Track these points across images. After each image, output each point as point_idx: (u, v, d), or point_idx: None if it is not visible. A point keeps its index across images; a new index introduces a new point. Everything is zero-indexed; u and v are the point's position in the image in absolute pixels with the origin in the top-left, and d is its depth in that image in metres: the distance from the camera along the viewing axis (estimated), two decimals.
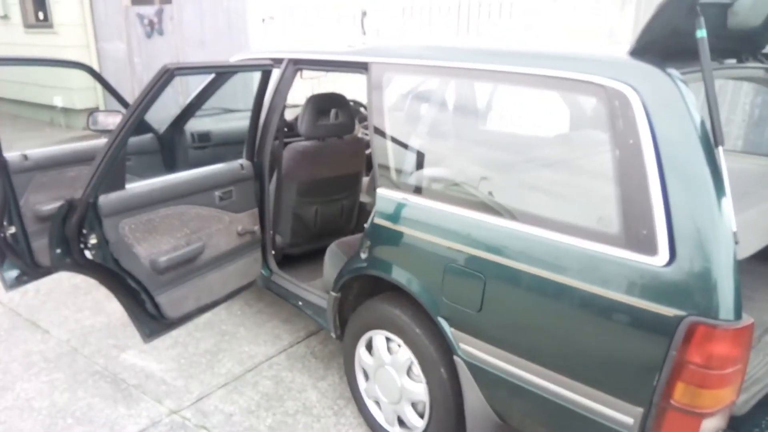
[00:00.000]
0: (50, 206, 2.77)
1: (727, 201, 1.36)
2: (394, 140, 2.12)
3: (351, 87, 3.66)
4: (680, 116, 1.42)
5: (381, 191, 2.11)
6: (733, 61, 2.01)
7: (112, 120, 3.28)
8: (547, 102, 1.77)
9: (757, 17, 1.68)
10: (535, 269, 1.61)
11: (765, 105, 3.90)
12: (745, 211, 1.83)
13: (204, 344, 3.03)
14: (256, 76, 2.47)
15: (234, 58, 3.05)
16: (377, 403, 2.32)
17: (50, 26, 8.37)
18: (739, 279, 1.33)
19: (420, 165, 2.06)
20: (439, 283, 1.87)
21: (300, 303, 2.70)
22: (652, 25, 1.49)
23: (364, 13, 5.56)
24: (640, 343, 1.43)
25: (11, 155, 2.71)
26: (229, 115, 4.10)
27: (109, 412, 2.50)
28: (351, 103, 3.28)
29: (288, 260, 3.09)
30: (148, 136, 3.37)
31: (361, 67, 2.24)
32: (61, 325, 3.19)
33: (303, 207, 3.03)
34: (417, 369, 2.07)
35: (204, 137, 3.55)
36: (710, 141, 1.40)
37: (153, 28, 7.59)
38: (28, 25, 8.70)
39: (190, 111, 3.37)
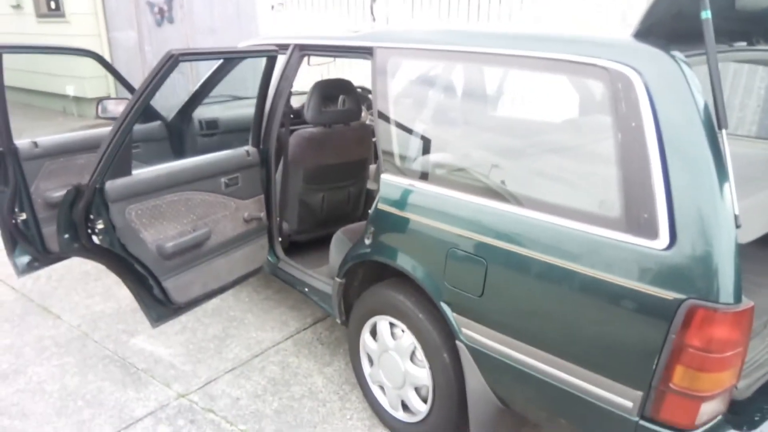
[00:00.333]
0: (60, 193, 2.81)
1: (729, 184, 1.34)
2: (399, 126, 2.12)
3: (360, 74, 3.65)
4: (683, 99, 1.40)
5: (385, 177, 2.11)
6: (743, 43, 1.98)
7: (121, 108, 3.30)
8: (550, 85, 1.75)
9: None
10: (536, 254, 1.61)
11: None
12: (753, 196, 1.81)
13: (212, 330, 3.06)
14: (264, 62, 2.47)
15: (242, 45, 3.05)
16: (381, 388, 2.33)
17: (62, 15, 8.42)
18: (740, 262, 1.32)
19: (423, 151, 2.06)
20: (441, 269, 1.88)
21: (306, 289, 2.71)
22: (656, 7, 1.47)
23: (373, 0, 5.54)
24: (640, 326, 1.42)
25: (21, 142, 2.75)
26: (237, 102, 4.11)
27: (118, 395, 2.54)
28: (359, 90, 3.27)
29: (295, 247, 3.10)
30: (157, 123, 3.39)
31: (366, 52, 2.24)
32: (72, 311, 3.24)
33: (309, 194, 3.04)
34: (420, 354, 2.08)
35: (212, 124, 3.57)
36: (713, 124, 1.38)
37: (163, 16, 7.61)
38: (40, 15, 8.76)
39: (197, 98, 3.38)
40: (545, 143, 1.81)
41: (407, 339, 2.12)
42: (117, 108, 3.35)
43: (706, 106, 1.40)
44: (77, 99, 8.64)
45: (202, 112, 3.58)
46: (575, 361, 1.57)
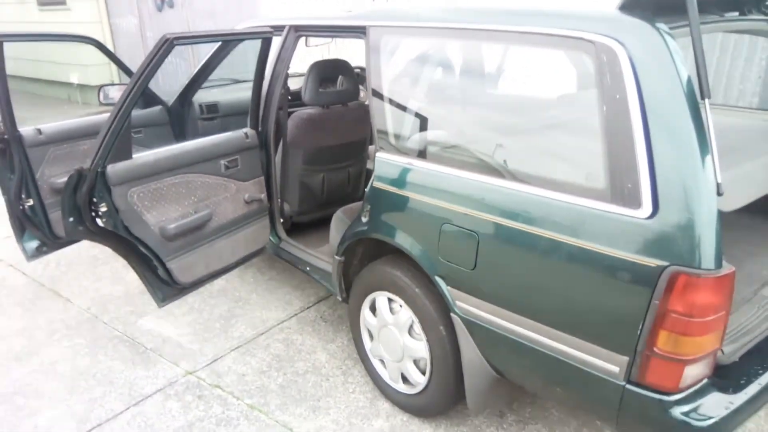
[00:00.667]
0: (65, 179, 2.86)
1: (712, 153, 1.36)
2: (392, 104, 2.15)
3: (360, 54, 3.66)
4: (666, 71, 1.42)
5: (380, 155, 2.15)
6: (735, 13, 1.98)
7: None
8: (539, 60, 1.77)
9: None
10: (525, 226, 1.65)
11: None
12: (741, 165, 1.83)
13: (218, 310, 3.13)
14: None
15: (239, 27, 3.07)
16: (382, 361, 2.39)
17: (63, 3, 8.44)
18: (721, 229, 1.35)
19: (415, 128, 2.09)
20: (435, 244, 1.92)
21: (308, 268, 2.77)
22: None
23: None
24: (625, 293, 1.46)
25: (26, 130, 2.80)
26: (237, 85, 4.14)
27: (128, 373, 2.62)
28: (357, 70, 3.29)
29: (297, 228, 3.15)
30: (157, 108, 3.43)
31: (360, 32, 2.26)
32: (82, 294, 3.32)
33: (310, 175, 3.07)
34: (418, 327, 2.13)
35: (212, 108, 3.60)
36: (695, 95, 1.40)
37: (163, 1, 7.61)
38: (42, 3, 8.79)
39: (197, 82, 3.41)
40: (533, 117, 1.83)
41: (405, 313, 2.17)
42: (118, 94, 3.39)
43: (689, 78, 1.42)
44: (81, 87, 8.69)
45: (203, 96, 3.61)
46: (564, 329, 1.61)
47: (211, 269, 2.59)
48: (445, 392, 2.12)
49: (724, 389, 1.52)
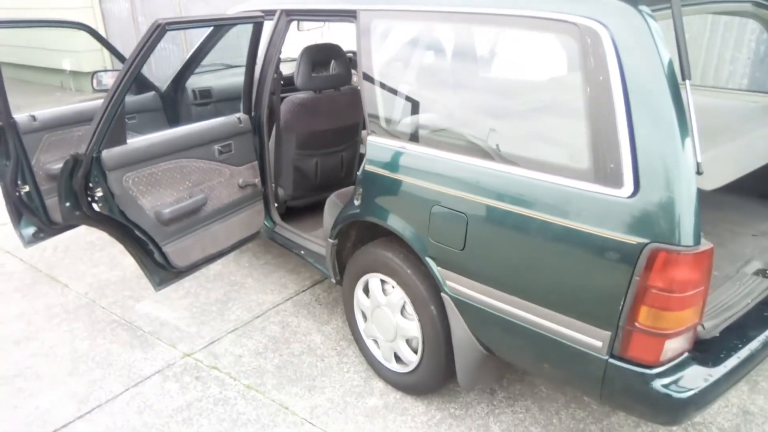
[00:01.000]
0: (60, 165, 2.89)
1: (692, 133, 1.40)
2: (383, 88, 2.18)
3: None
4: (648, 52, 1.45)
5: (371, 139, 2.18)
6: None
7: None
8: (523, 42, 1.80)
9: None
10: (512, 206, 1.69)
11: None
12: (724, 145, 1.86)
13: (214, 294, 3.18)
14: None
15: (231, 11, 3.08)
16: (375, 341, 2.44)
17: None
18: (699, 207, 1.39)
19: (406, 112, 2.12)
20: (425, 225, 1.96)
21: (302, 252, 2.81)
22: None
23: None
24: (607, 270, 1.51)
25: (20, 116, 2.82)
26: (230, 70, 4.14)
27: (126, 356, 2.67)
28: (349, 55, 3.30)
29: (291, 212, 3.19)
30: (151, 94, 3.45)
31: (350, 15, 2.28)
32: (79, 279, 3.36)
33: (303, 159, 3.10)
34: (410, 308, 2.18)
35: (205, 94, 3.62)
36: (675, 76, 1.43)
37: None
38: None
39: (189, 67, 3.43)
40: (520, 100, 1.86)
41: (397, 294, 2.22)
42: (111, 80, 3.40)
43: (670, 60, 1.45)
44: (74, 73, 8.64)
45: (196, 82, 3.62)
46: (550, 306, 1.66)
47: (206, 253, 2.63)
48: (437, 370, 2.17)
49: (704, 362, 1.57)
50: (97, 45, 3.37)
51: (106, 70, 3.53)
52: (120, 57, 3.41)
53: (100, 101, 3.16)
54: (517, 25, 1.71)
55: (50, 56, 8.64)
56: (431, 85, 2.11)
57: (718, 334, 1.67)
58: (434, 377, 2.20)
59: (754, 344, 1.66)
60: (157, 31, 2.05)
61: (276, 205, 3.01)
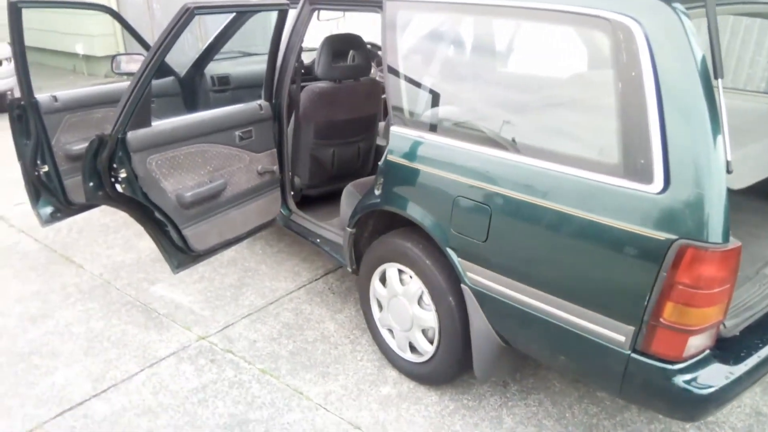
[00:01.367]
0: (80, 146, 2.91)
1: (723, 131, 1.41)
2: (408, 79, 2.18)
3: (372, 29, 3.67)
4: (681, 50, 1.45)
5: (394, 129, 2.19)
6: None
7: (135, 63, 3.37)
8: (555, 37, 1.80)
9: None
10: (538, 200, 1.69)
11: None
12: (749, 146, 1.87)
13: (228, 279, 3.20)
14: (274, 18, 2.52)
15: None
16: (390, 331, 2.46)
17: None
18: (729, 204, 1.39)
19: (431, 103, 2.13)
20: (448, 216, 1.97)
21: (318, 240, 2.82)
22: None
23: None
24: (634, 265, 1.51)
25: (41, 96, 2.83)
26: (247, 58, 4.15)
27: (141, 337, 2.69)
28: (368, 46, 3.30)
29: (306, 201, 3.20)
30: (170, 79, 3.46)
31: (377, 5, 2.28)
32: (94, 261, 3.38)
33: (320, 149, 3.11)
34: (427, 298, 2.19)
35: (224, 80, 3.63)
36: (709, 74, 1.44)
37: None
38: None
39: (210, 53, 3.44)
40: (549, 94, 1.87)
41: (415, 284, 2.23)
42: (129, 64, 3.42)
43: (703, 57, 1.45)
44: (87, 57, 8.65)
45: (214, 68, 3.63)
46: (573, 299, 1.67)
47: (223, 238, 2.65)
48: (452, 361, 2.19)
49: (724, 360, 1.59)
50: (110, 29, 3.40)
51: (126, 53, 3.54)
52: (141, 41, 3.42)
53: (118, 84, 3.19)
54: (549, 19, 1.71)
55: (63, 40, 8.65)
56: (461, 77, 2.12)
57: (738, 333, 1.68)
58: (449, 368, 2.22)
59: None
60: (186, 15, 2.07)
61: (292, 193, 3.03)
